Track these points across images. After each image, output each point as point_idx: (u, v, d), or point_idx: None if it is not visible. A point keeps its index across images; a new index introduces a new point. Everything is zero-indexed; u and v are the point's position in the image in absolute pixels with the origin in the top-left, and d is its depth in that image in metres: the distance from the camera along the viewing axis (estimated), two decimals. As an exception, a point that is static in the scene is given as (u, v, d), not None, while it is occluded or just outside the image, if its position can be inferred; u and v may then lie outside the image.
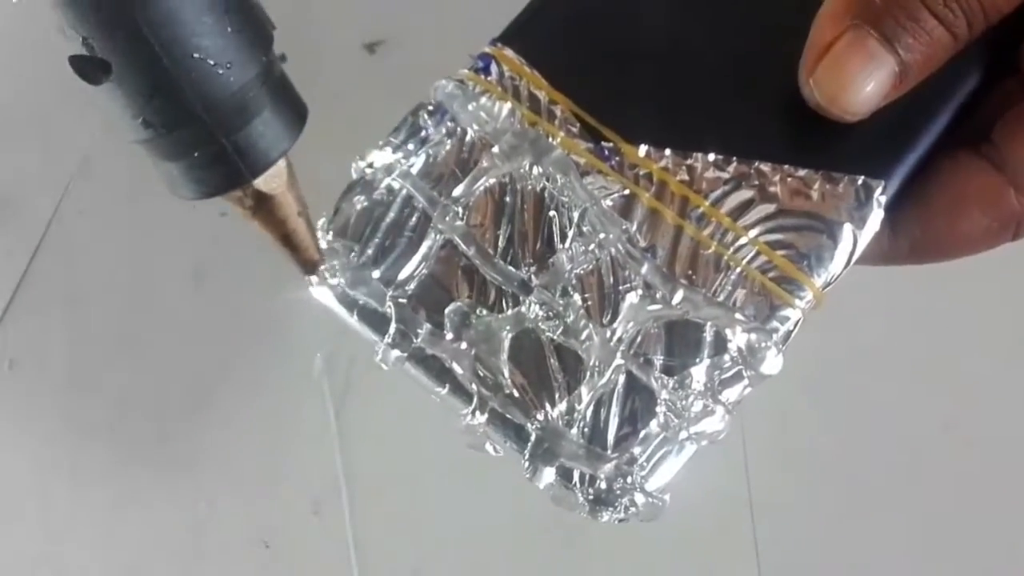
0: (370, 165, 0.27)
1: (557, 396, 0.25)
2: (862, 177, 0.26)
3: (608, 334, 0.26)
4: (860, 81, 0.24)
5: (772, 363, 0.25)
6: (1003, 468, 0.39)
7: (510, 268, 0.26)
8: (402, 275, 0.26)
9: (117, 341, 0.40)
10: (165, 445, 0.40)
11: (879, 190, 0.26)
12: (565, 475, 0.25)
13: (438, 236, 0.27)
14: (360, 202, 0.27)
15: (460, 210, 0.27)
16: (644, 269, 0.26)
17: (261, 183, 0.24)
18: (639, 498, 0.25)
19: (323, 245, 0.27)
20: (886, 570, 0.38)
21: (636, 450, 0.25)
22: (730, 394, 0.25)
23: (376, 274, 0.27)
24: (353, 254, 0.27)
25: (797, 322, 0.26)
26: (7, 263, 0.41)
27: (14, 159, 0.42)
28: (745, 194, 0.26)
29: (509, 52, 0.28)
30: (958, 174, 0.26)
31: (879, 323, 0.40)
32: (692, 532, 0.38)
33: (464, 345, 0.26)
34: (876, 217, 0.26)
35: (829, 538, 0.38)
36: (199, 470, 0.39)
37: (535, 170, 0.27)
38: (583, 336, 0.26)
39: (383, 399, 0.39)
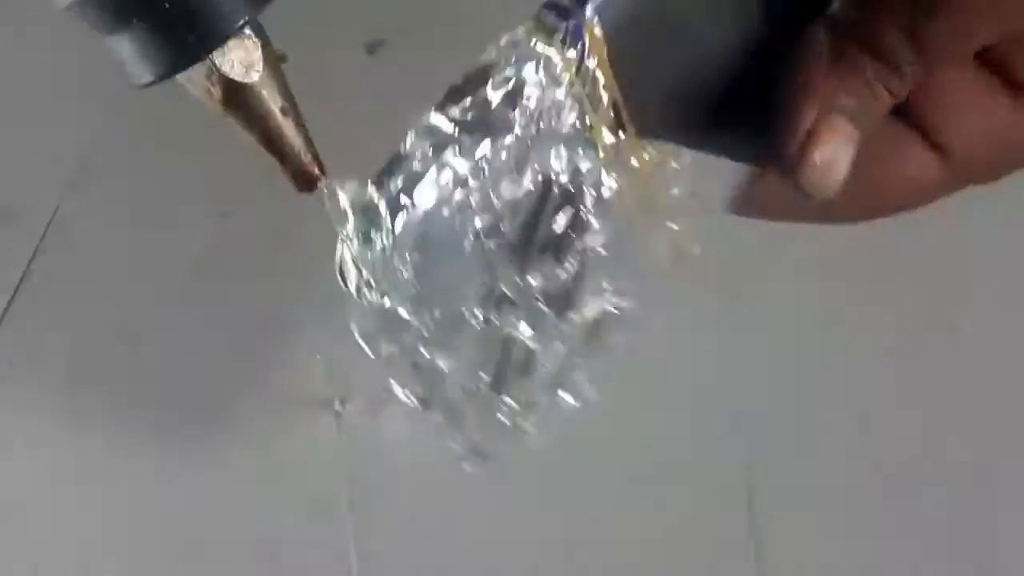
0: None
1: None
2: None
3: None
4: (843, 163, 0.24)
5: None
6: (1004, 470, 0.39)
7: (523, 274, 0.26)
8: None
9: (117, 340, 0.40)
10: (165, 445, 0.40)
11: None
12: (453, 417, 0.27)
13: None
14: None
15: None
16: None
17: (228, 68, 0.20)
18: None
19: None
20: (887, 571, 0.38)
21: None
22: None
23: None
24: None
25: None
26: (7, 263, 0.41)
27: (14, 159, 0.42)
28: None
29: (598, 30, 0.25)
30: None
31: (879, 323, 0.40)
32: (692, 532, 0.38)
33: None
34: None
35: (830, 540, 0.38)
36: (199, 470, 0.39)
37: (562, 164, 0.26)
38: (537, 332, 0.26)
39: (384, 400, 0.39)
